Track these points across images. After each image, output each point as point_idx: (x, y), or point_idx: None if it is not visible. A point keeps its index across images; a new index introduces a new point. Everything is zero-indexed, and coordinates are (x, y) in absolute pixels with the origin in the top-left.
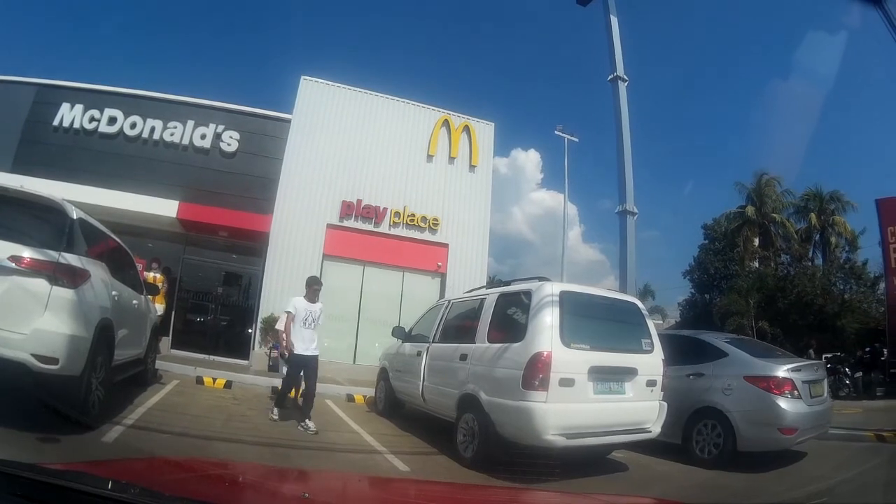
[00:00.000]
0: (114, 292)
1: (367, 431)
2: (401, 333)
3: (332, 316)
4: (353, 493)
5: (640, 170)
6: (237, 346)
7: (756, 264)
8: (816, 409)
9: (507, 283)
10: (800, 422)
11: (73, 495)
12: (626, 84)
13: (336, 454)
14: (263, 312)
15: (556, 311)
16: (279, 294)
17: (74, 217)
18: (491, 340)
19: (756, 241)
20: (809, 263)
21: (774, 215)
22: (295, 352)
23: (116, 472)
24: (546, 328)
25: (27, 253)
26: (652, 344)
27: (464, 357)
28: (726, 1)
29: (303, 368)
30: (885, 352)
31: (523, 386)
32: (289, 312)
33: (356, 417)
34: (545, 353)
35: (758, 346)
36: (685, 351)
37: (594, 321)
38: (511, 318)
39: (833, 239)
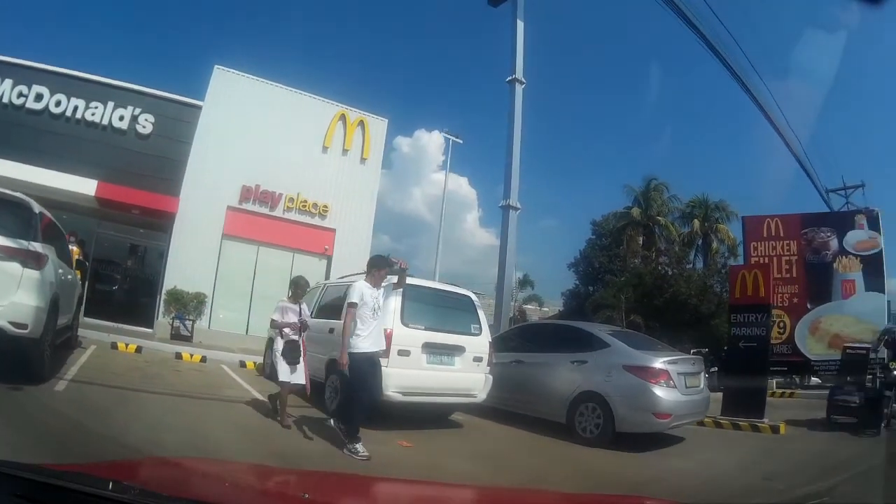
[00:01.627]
0: (59, 270)
1: (255, 390)
2: None
3: (229, 291)
4: (353, 493)
5: (539, 163)
6: (143, 315)
7: (638, 262)
8: (692, 398)
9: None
10: (674, 408)
11: (73, 496)
12: (522, 87)
13: (234, 405)
14: (167, 285)
15: (400, 298)
16: (182, 269)
17: (37, 212)
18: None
19: (640, 241)
20: (690, 266)
21: (659, 218)
22: (364, 350)
23: (116, 472)
24: (390, 311)
25: (6, 242)
26: (481, 328)
27: (332, 330)
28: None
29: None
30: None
31: None
32: (354, 304)
33: (247, 379)
34: (388, 330)
35: (639, 339)
36: (571, 340)
37: (430, 307)
38: None
39: (714, 245)
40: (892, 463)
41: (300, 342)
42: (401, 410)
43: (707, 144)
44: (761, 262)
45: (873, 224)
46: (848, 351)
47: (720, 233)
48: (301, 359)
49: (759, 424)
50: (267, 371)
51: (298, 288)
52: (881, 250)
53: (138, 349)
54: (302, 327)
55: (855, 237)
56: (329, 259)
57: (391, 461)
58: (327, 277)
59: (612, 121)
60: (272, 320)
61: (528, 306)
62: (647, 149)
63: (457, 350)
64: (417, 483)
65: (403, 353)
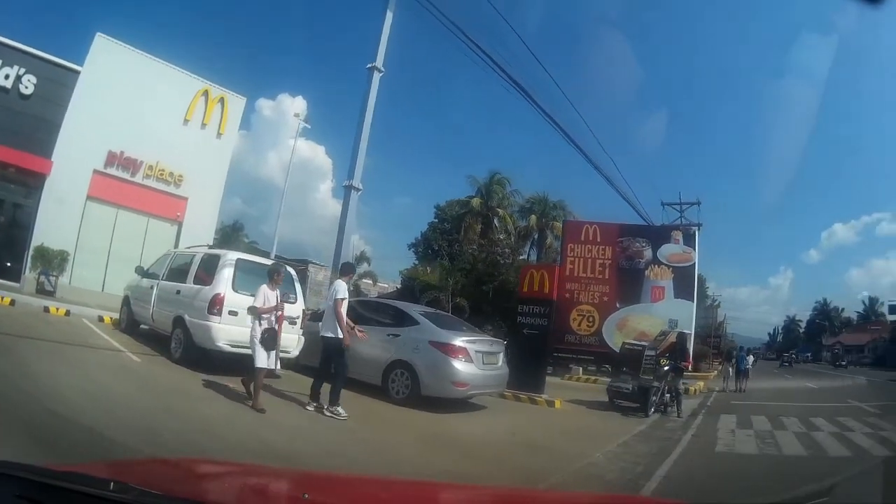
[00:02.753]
0: None
1: (115, 340)
2: (140, 271)
3: (89, 250)
4: (353, 493)
5: (399, 143)
6: (10, 270)
7: (474, 249)
8: (489, 373)
9: (211, 247)
10: (470, 380)
11: (74, 496)
12: (381, 75)
13: (98, 351)
14: (35, 242)
15: (232, 269)
16: (49, 227)
17: None
18: (195, 283)
19: (478, 229)
20: (524, 258)
21: (499, 210)
22: (339, 336)
23: (117, 472)
24: (224, 279)
25: None
26: (296, 297)
27: (178, 292)
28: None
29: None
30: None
31: (208, 312)
32: (343, 298)
33: (106, 332)
34: (220, 294)
35: (447, 320)
36: (389, 316)
37: (256, 278)
38: (208, 270)
39: (549, 240)
40: (889, 463)
41: (277, 329)
42: (229, 359)
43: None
44: (576, 262)
45: (689, 240)
46: (626, 346)
47: (555, 230)
48: (276, 345)
49: (536, 398)
50: (123, 325)
51: (278, 275)
52: (693, 264)
53: (12, 302)
54: (280, 313)
55: (669, 250)
56: (180, 225)
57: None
58: (177, 243)
59: (469, 115)
60: (253, 307)
61: (366, 280)
62: (495, 143)
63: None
64: (417, 483)
65: (233, 313)
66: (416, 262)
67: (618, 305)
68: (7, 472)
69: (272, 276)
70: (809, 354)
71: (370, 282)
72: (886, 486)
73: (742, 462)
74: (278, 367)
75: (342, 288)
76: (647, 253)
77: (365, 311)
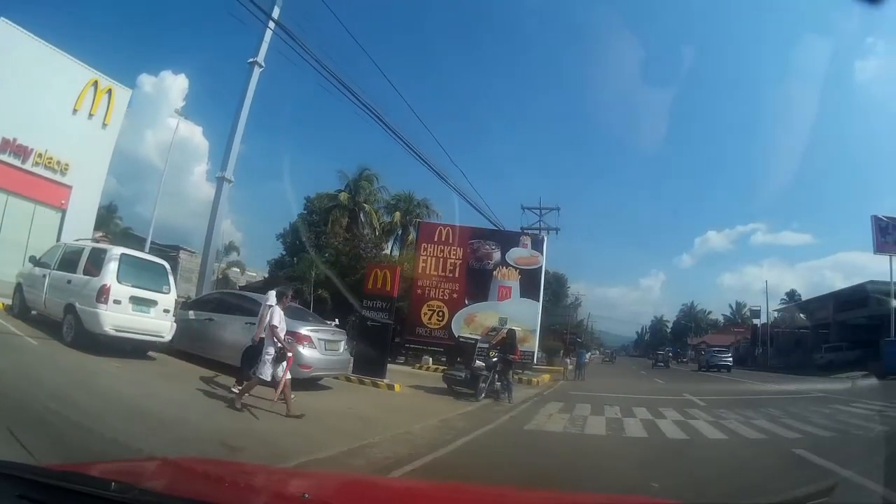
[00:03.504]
0: None
1: (10, 325)
2: (34, 260)
3: None
4: (353, 493)
5: (282, 132)
6: None
7: (339, 242)
8: (331, 358)
9: (98, 241)
10: (314, 363)
11: (75, 496)
12: (261, 70)
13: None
14: None
15: (117, 263)
16: None
17: None
18: (85, 273)
19: (344, 223)
20: (386, 252)
21: (365, 205)
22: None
23: (118, 472)
24: (110, 272)
25: None
26: (170, 288)
27: (69, 281)
28: None
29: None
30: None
31: (96, 301)
32: (275, 326)
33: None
34: (107, 285)
35: (297, 311)
36: (247, 307)
37: (137, 270)
38: (96, 263)
39: (412, 236)
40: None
41: (287, 350)
42: (111, 342)
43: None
44: (429, 261)
45: (537, 245)
46: (461, 339)
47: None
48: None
49: (378, 383)
50: (15, 311)
51: (286, 298)
52: (540, 267)
53: None
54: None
55: (517, 253)
56: (64, 213)
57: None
58: (60, 230)
59: (346, 110)
60: (274, 327)
61: (235, 270)
62: (368, 138)
63: (152, 303)
64: (417, 483)
65: (117, 302)
66: (284, 252)
67: (466, 302)
68: (9, 472)
69: (280, 298)
70: (692, 352)
71: (238, 271)
72: (886, 486)
73: (541, 437)
74: (282, 376)
75: (279, 314)
76: (497, 255)
77: (228, 301)
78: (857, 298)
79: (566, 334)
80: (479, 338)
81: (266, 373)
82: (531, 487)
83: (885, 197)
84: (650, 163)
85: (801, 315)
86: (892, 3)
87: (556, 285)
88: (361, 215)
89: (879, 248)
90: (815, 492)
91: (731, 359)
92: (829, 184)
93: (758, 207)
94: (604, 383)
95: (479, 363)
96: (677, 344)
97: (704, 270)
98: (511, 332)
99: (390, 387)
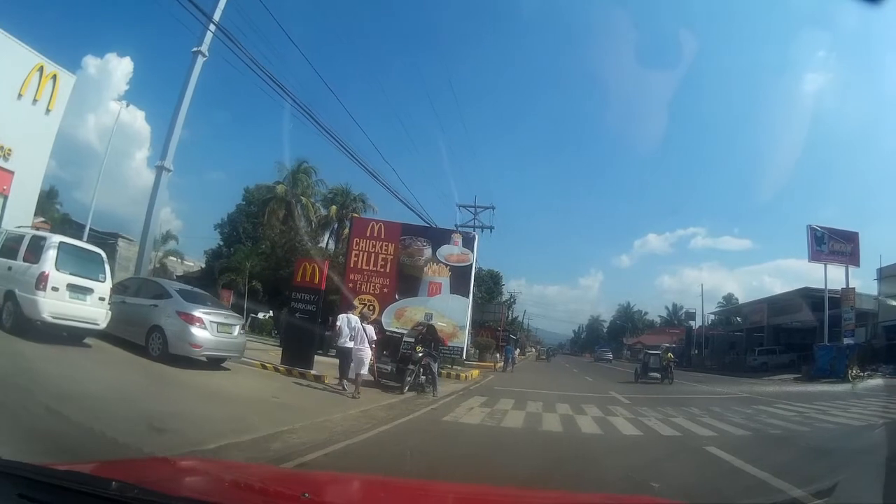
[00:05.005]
0: None
1: None
2: None
3: None
4: (353, 493)
5: (221, 119)
6: None
7: (275, 234)
8: (223, 340)
9: (38, 228)
10: (204, 343)
11: (76, 495)
12: (204, 60)
13: None
14: None
15: (55, 251)
16: None
17: None
18: (25, 261)
19: (280, 215)
20: (322, 246)
21: (302, 198)
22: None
23: (118, 472)
24: (49, 259)
25: None
26: (106, 277)
27: (10, 268)
28: None
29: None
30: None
31: (35, 288)
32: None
33: None
34: (46, 273)
35: (196, 295)
36: (154, 290)
37: (76, 258)
38: (35, 250)
39: (347, 230)
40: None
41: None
42: (49, 329)
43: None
44: (360, 256)
45: (468, 244)
46: (388, 333)
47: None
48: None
49: (306, 373)
50: None
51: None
52: (471, 264)
53: None
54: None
55: (448, 251)
56: (5, 199)
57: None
58: (2, 215)
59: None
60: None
61: (173, 259)
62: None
63: (89, 291)
64: (417, 483)
65: (55, 289)
66: (221, 243)
67: (396, 297)
68: (10, 471)
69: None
70: (628, 352)
71: (176, 260)
72: (887, 486)
73: (456, 428)
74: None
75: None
76: (427, 252)
77: (139, 287)
78: (792, 304)
79: (499, 331)
80: (405, 332)
81: (365, 369)
82: (531, 487)
83: (824, 207)
84: (592, 165)
85: (737, 318)
86: (892, 3)
87: (491, 282)
88: (298, 208)
89: (814, 256)
90: (815, 492)
91: (610, 355)
92: (769, 193)
93: (699, 212)
94: (534, 380)
95: (405, 356)
96: (613, 343)
97: (643, 272)
98: (430, 328)
99: (318, 378)
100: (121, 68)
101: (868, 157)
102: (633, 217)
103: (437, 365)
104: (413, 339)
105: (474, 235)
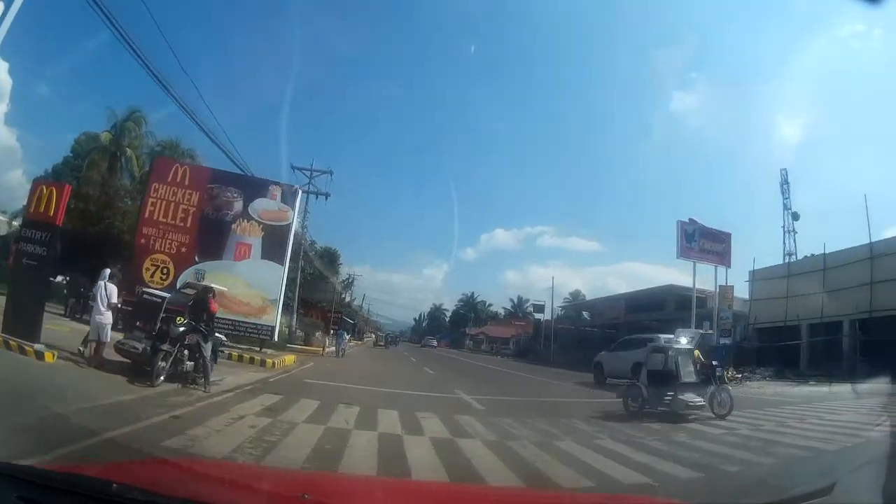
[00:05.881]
0: None
1: None
2: None
3: None
4: (353, 493)
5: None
6: None
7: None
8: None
9: None
10: None
11: (76, 497)
12: None
13: None
14: None
15: None
16: None
17: None
18: None
19: (104, 167)
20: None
21: (128, 149)
22: None
23: (118, 473)
24: None
25: None
26: None
27: None
28: None
29: None
30: None
31: None
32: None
33: None
34: None
35: None
36: None
37: None
38: None
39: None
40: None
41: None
42: None
43: None
44: (158, 204)
45: (289, 199)
46: (144, 295)
47: None
48: None
49: (26, 347)
50: None
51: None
52: (290, 224)
53: None
54: None
55: (262, 205)
56: None
57: None
58: None
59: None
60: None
61: None
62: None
63: None
64: (417, 483)
65: None
66: None
67: (196, 259)
68: (10, 473)
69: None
70: (470, 341)
71: None
72: (887, 486)
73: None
74: None
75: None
76: (238, 205)
77: None
78: (655, 301)
79: (331, 312)
80: (166, 295)
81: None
82: (530, 487)
83: (675, 215)
84: (443, 157)
85: (586, 314)
86: (892, 3)
87: (328, 260)
88: (122, 160)
89: (683, 252)
90: (814, 491)
91: (435, 342)
92: (622, 199)
93: (549, 212)
94: (364, 370)
95: (163, 331)
96: (455, 333)
97: (488, 265)
98: (206, 291)
99: (40, 355)
100: None
101: (722, 171)
102: (482, 212)
103: (209, 345)
104: (185, 306)
105: (297, 189)
